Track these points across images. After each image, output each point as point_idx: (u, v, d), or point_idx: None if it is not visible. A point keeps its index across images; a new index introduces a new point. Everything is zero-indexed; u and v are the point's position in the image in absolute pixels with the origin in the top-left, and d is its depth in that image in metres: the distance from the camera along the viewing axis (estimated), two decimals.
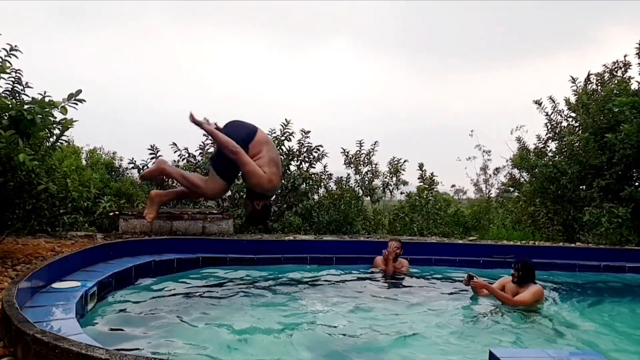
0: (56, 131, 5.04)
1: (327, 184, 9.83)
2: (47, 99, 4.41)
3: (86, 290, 4.14)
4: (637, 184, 8.93)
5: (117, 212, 7.31)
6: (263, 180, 4.04)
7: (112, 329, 3.78)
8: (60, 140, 5.24)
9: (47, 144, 5.24)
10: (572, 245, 7.92)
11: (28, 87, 5.21)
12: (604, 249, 7.33)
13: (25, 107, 4.38)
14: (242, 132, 4.08)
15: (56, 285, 4.19)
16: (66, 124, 4.68)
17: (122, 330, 3.79)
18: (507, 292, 5.02)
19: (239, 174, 4.27)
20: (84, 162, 9.65)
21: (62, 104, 4.27)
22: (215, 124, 4.26)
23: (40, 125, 4.33)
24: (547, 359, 2.81)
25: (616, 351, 3.83)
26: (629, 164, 8.64)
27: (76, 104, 4.34)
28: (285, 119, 8.92)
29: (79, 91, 4.28)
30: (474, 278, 5.02)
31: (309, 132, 9.08)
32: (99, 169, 9.18)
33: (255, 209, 4.17)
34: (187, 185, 4.10)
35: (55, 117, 4.52)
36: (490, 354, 2.90)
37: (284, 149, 8.97)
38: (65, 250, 5.43)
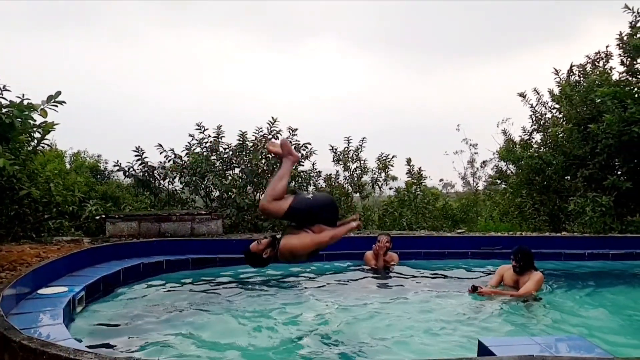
0: (37, 135, 4.96)
1: (316, 181, 9.81)
2: (25, 102, 4.33)
3: (73, 295, 4.10)
4: (619, 172, 9.07)
5: (103, 216, 7.23)
6: (297, 252, 3.88)
7: (101, 333, 3.74)
8: (41, 144, 5.16)
9: (28, 148, 5.15)
10: (558, 234, 8.02)
11: (6, 90, 5.09)
12: (588, 238, 7.45)
13: (3, 110, 4.29)
14: (333, 216, 4.04)
15: (42, 291, 4.14)
16: (47, 127, 4.61)
17: (111, 334, 3.75)
18: (507, 280, 5.13)
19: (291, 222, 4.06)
20: (67, 166, 9.52)
21: (42, 107, 4.19)
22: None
23: (20, 129, 4.25)
24: (534, 346, 2.85)
25: (600, 334, 3.90)
26: (611, 154, 8.77)
27: (56, 106, 4.26)
28: (272, 117, 8.89)
29: (59, 93, 4.20)
30: (479, 289, 4.94)
31: (296, 129, 9.06)
32: (84, 173, 9.06)
33: (263, 254, 4.02)
34: (274, 180, 3.96)
35: (35, 120, 4.44)
36: (480, 343, 2.94)
37: None
38: (50, 256, 5.35)
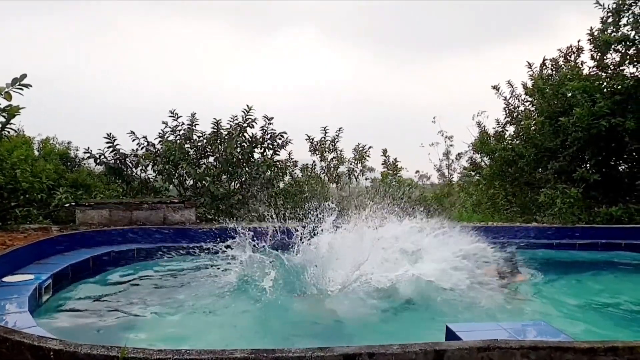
0: (1, 119, 4.77)
1: (293, 171, 9.78)
2: None
3: (40, 283, 4.01)
4: (587, 165, 9.32)
5: (73, 204, 7.06)
6: None
7: (68, 321, 3.69)
8: (6, 129, 4.98)
9: None
10: (528, 225, 8.21)
11: None
12: (556, 228, 7.64)
13: None
14: None
15: (7, 279, 4.04)
16: (12, 111, 4.42)
17: (78, 321, 3.70)
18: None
19: None
20: (36, 153, 9.24)
21: (6, 90, 4.03)
22: None
23: None
24: (500, 331, 2.92)
25: (564, 320, 4.02)
26: (580, 147, 9.00)
27: (21, 89, 4.09)
28: (247, 105, 8.79)
29: (24, 75, 4.03)
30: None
31: (272, 118, 8.99)
32: (53, 160, 8.81)
33: None
34: None
35: None
36: (447, 328, 2.99)
37: (247, 136, 8.86)
38: (17, 244, 5.21)
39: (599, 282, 5.60)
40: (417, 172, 18.66)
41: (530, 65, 10.49)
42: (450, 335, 2.91)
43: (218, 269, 5.59)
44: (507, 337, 2.80)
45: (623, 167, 9.56)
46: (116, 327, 3.59)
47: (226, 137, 8.72)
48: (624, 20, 9.34)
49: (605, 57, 9.67)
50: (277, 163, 9.13)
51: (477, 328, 3.08)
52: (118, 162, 8.51)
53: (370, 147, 10.38)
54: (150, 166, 8.57)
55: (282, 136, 9.08)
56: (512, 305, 4.51)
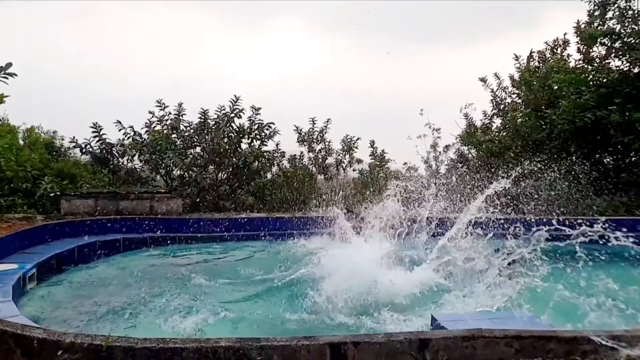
0: None
1: (280, 162, 9.75)
2: None
3: (24, 272, 3.97)
4: (573, 158, 9.42)
5: (58, 193, 6.99)
6: None
7: (52, 310, 3.66)
8: None
9: None
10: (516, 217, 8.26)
11: None
12: (545, 221, 7.67)
13: None
14: None
15: None
16: None
17: (62, 310, 3.67)
18: None
19: None
20: (21, 142, 9.10)
21: None
22: None
23: None
24: (485, 321, 2.95)
25: (551, 312, 4.07)
26: (566, 139, 9.10)
27: (6, 78, 4.03)
28: (235, 95, 8.75)
29: (9, 64, 3.96)
30: None
31: (259, 108, 8.95)
32: (38, 149, 8.69)
33: None
34: None
35: None
36: (432, 318, 3.03)
37: (234, 126, 8.81)
38: (1, 233, 5.15)
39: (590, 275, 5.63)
40: (404, 163, 18.70)
41: (517, 58, 10.55)
42: (436, 325, 2.95)
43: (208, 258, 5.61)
44: (492, 326, 2.84)
45: (608, 159, 9.69)
46: (100, 316, 3.57)
47: (213, 127, 8.67)
48: (609, 14, 9.43)
49: (591, 50, 9.77)
50: (265, 154, 9.10)
51: (462, 318, 3.12)
52: (104, 151, 8.42)
53: (358, 139, 10.37)
54: (136, 156, 8.50)
55: (270, 126, 9.05)
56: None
